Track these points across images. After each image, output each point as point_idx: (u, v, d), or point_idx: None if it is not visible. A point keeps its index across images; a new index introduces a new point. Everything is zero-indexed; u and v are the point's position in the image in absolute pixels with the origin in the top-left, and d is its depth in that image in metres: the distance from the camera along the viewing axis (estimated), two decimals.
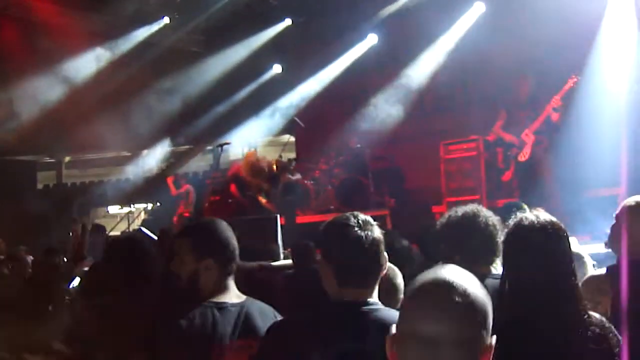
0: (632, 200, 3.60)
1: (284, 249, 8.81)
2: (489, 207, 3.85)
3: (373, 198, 12.08)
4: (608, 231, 3.68)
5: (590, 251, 4.47)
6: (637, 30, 10.11)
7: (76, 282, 5.36)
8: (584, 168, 8.91)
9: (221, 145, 12.49)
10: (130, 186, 20.16)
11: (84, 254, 6.32)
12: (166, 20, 14.55)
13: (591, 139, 9.25)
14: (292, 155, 15.36)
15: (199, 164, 22.24)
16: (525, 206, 4.44)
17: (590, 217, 6.91)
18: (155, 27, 14.55)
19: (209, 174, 16.49)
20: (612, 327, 2.69)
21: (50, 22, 12.73)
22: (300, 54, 14.89)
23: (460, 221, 3.53)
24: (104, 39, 14.07)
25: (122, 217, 20.82)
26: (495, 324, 1.65)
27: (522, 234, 2.81)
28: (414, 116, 13.06)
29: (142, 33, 14.48)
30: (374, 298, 2.64)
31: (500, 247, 3.10)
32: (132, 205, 20.86)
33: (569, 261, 2.77)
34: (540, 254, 2.74)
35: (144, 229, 11.69)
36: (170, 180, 16.18)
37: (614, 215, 3.65)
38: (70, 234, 7.45)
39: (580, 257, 4.02)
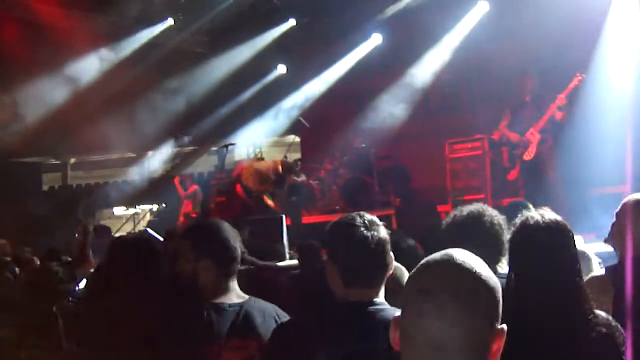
0: (633, 197, 3.59)
1: (290, 249, 8.82)
2: (495, 206, 3.84)
3: (378, 198, 12.08)
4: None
5: (596, 250, 4.45)
6: None
7: (83, 283, 5.36)
8: (589, 166, 8.89)
9: (226, 146, 12.49)
10: (136, 187, 20.17)
11: (87, 255, 6.32)
12: (170, 21, 14.55)
13: (596, 137, 9.24)
14: (297, 155, 15.37)
15: (204, 165, 22.25)
16: (531, 205, 4.44)
17: (596, 216, 6.90)
18: (159, 28, 14.54)
19: (214, 175, 16.49)
20: (619, 325, 2.68)
21: (54, 24, 12.75)
22: (305, 54, 14.89)
23: (466, 220, 3.52)
24: (108, 40, 14.08)
25: (128, 219, 20.81)
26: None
27: (527, 233, 2.80)
28: (419, 115, 13.06)
29: (147, 34, 14.48)
30: (380, 298, 2.64)
31: (506, 246, 3.09)
32: (137, 207, 20.86)
33: (574, 261, 2.76)
34: (546, 253, 2.74)
35: (149, 230, 11.70)
36: (177, 180, 16.18)
37: (614, 213, 3.65)
38: (76, 235, 7.45)
39: (585, 256, 4.01)
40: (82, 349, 3.89)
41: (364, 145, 12.70)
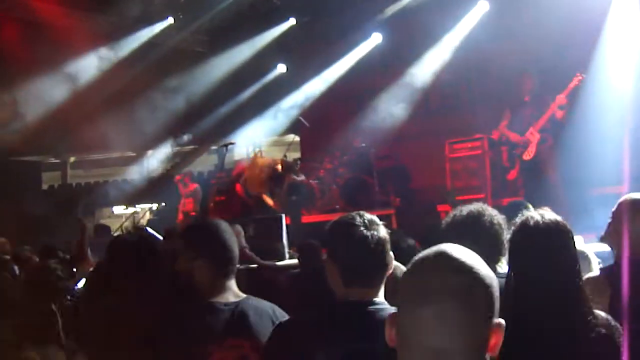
0: (629, 197, 3.60)
1: (290, 248, 8.83)
2: (494, 206, 3.84)
3: (378, 197, 12.07)
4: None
5: (596, 249, 4.45)
6: None
7: (82, 282, 5.36)
8: (589, 166, 8.88)
9: (226, 145, 12.49)
10: (135, 186, 20.17)
11: (85, 253, 6.33)
12: (170, 20, 14.53)
13: (596, 137, 9.24)
14: (297, 154, 15.36)
15: (204, 164, 22.24)
16: (530, 205, 4.44)
17: (596, 215, 6.89)
18: (159, 27, 14.53)
19: (214, 174, 16.48)
20: (618, 326, 2.68)
21: (54, 23, 12.74)
22: (305, 54, 14.88)
23: (465, 220, 3.52)
24: (108, 40, 14.06)
25: (127, 218, 20.81)
26: None
27: (527, 233, 2.80)
28: (419, 115, 13.05)
29: (146, 33, 14.46)
30: (380, 298, 2.64)
31: (506, 246, 3.09)
32: (137, 206, 20.84)
33: (574, 261, 2.76)
34: (546, 253, 2.74)
35: (148, 229, 11.69)
36: (178, 179, 16.18)
37: (611, 212, 3.65)
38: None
39: (585, 256, 4.01)
40: (81, 348, 3.89)
41: (364, 144, 12.69)
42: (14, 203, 16.43)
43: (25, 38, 12.84)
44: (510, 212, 3.53)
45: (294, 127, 15.40)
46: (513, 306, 2.68)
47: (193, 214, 14.76)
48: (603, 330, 2.62)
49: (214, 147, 19.90)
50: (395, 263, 2.77)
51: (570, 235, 2.80)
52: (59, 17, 12.85)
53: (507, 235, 3.09)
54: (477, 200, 3.94)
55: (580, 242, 3.65)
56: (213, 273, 3.13)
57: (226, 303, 3.08)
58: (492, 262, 3.43)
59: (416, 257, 1.66)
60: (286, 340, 2.68)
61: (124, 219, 19.34)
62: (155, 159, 20.38)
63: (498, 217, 3.52)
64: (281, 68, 15.70)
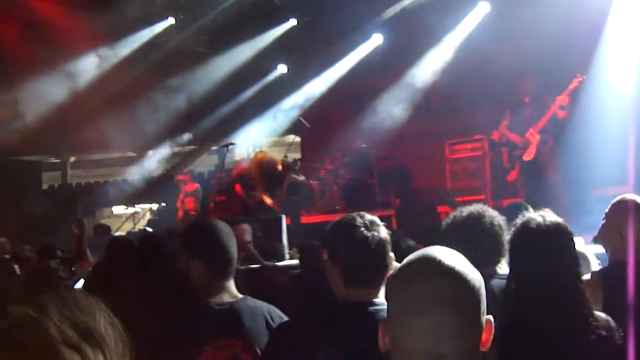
0: (624, 198, 3.60)
1: (290, 249, 8.82)
2: (494, 207, 3.84)
3: (378, 198, 12.08)
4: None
5: (596, 251, 4.45)
6: None
7: (81, 283, 5.35)
8: (589, 167, 8.88)
9: (226, 146, 12.49)
10: (136, 186, 20.17)
11: (84, 251, 6.31)
12: (171, 20, 14.54)
13: (597, 137, 9.24)
14: (298, 155, 15.36)
15: (204, 164, 22.24)
16: (529, 206, 4.43)
17: (597, 217, 6.88)
18: (160, 27, 14.54)
19: (214, 174, 16.48)
20: (618, 327, 2.68)
21: (55, 23, 12.73)
22: (306, 54, 14.88)
23: (466, 221, 3.52)
24: (109, 40, 14.07)
25: (128, 218, 20.80)
26: (500, 325, 1.64)
27: (528, 234, 2.80)
28: (419, 116, 13.05)
29: (147, 33, 14.47)
30: (381, 298, 2.64)
31: (506, 247, 3.10)
32: (137, 206, 20.84)
33: (574, 262, 2.76)
34: (546, 255, 2.74)
35: (148, 229, 11.69)
36: (179, 178, 16.16)
37: (604, 213, 3.65)
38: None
39: (585, 257, 4.01)
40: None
41: (364, 145, 12.69)
42: (14, 203, 16.44)
43: (25, 38, 12.84)
44: (510, 213, 3.53)
45: (294, 127, 15.41)
46: (513, 307, 2.68)
47: (193, 213, 14.76)
48: (603, 332, 2.62)
49: (214, 148, 19.88)
50: (395, 264, 2.77)
51: (571, 237, 2.80)
52: (59, 17, 12.85)
53: (507, 237, 3.09)
54: (477, 201, 3.94)
55: (580, 244, 3.65)
56: (209, 273, 3.14)
57: (220, 303, 3.09)
58: (492, 264, 3.43)
59: (403, 262, 1.65)
60: (287, 341, 2.69)
61: (124, 219, 19.36)
62: (156, 159, 20.38)
63: (498, 219, 3.52)
64: (282, 68, 15.70)
